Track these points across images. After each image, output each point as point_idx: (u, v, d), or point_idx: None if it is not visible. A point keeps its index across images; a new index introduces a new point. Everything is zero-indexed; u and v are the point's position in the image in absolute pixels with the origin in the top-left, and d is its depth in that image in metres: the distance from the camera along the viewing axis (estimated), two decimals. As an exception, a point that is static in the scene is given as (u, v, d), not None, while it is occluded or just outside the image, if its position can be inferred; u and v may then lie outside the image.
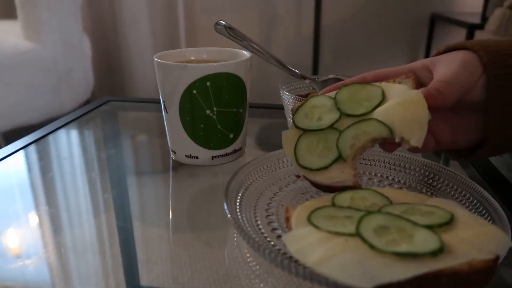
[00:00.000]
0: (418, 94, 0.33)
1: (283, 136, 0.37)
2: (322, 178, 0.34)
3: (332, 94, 0.38)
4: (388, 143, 0.35)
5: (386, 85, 0.37)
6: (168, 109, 0.46)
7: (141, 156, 0.55)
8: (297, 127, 0.37)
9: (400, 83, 0.37)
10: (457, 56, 0.35)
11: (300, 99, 0.49)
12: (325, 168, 0.34)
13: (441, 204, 0.30)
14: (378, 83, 0.37)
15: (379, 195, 0.31)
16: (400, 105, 0.34)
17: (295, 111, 0.38)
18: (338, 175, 0.34)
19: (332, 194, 0.32)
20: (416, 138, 0.32)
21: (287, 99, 0.51)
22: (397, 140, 0.33)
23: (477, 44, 0.35)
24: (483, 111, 0.35)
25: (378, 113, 0.35)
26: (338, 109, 0.36)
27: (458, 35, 1.64)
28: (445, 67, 0.35)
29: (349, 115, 0.36)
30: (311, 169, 0.35)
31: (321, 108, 0.37)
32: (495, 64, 0.34)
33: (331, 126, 0.36)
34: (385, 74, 0.38)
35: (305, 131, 0.37)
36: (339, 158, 0.34)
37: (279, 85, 0.54)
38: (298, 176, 0.41)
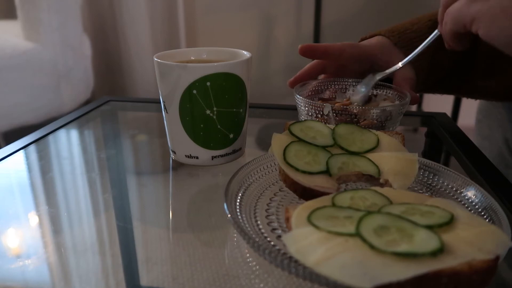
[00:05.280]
0: (414, 155, 0.38)
1: (273, 137, 0.39)
2: (305, 179, 0.35)
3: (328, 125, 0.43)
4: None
5: (381, 135, 0.41)
6: (168, 109, 0.46)
7: (141, 156, 0.55)
8: (292, 134, 0.39)
9: (390, 136, 0.42)
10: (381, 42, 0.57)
11: (314, 103, 0.49)
12: (310, 173, 0.36)
13: (441, 204, 0.30)
14: (374, 131, 0.42)
15: (379, 195, 0.31)
16: (395, 157, 0.38)
17: (291, 124, 0.40)
18: (321, 181, 0.35)
19: (332, 195, 0.32)
20: (401, 185, 0.35)
21: (301, 103, 0.51)
22: (381, 180, 0.36)
23: (387, 31, 0.57)
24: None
25: (371, 156, 0.38)
26: (334, 139, 0.40)
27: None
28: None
29: (342, 148, 0.39)
30: (296, 169, 0.36)
31: (317, 132, 0.41)
32: (401, 41, 0.56)
33: (324, 148, 0.39)
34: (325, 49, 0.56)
35: (299, 140, 0.39)
36: (325, 172, 0.36)
37: (294, 88, 0.54)
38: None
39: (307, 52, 0.56)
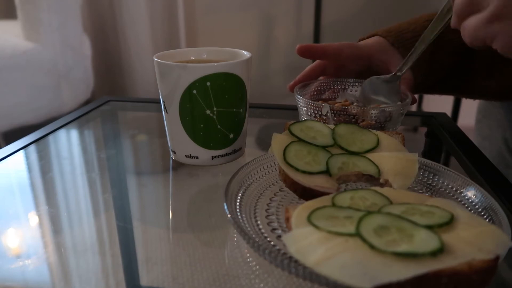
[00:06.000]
0: (414, 155, 0.38)
1: (273, 137, 0.39)
2: (305, 179, 0.35)
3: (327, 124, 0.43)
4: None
5: (381, 135, 0.41)
6: (168, 109, 0.46)
7: (141, 156, 0.55)
8: (292, 134, 0.39)
9: (391, 136, 0.43)
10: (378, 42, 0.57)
11: (313, 103, 0.49)
12: (310, 173, 0.36)
13: (441, 204, 0.30)
14: (374, 131, 0.42)
15: (379, 195, 0.31)
16: (395, 157, 0.38)
17: (291, 124, 0.40)
18: (321, 181, 0.35)
19: (332, 195, 0.32)
20: (401, 185, 0.35)
21: (301, 103, 0.51)
22: (381, 180, 0.37)
23: (384, 31, 0.57)
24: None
25: (371, 156, 0.38)
26: (334, 139, 0.40)
27: (458, 35, 1.64)
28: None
29: (342, 148, 0.39)
30: (296, 169, 0.36)
31: (317, 132, 0.41)
32: (398, 41, 0.56)
33: (324, 147, 0.39)
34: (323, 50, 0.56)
35: (299, 140, 0.39)
36: (325, 172, 0.36)
37: (295, 88, 0.54)
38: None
39: (305, 52, 0.56)
